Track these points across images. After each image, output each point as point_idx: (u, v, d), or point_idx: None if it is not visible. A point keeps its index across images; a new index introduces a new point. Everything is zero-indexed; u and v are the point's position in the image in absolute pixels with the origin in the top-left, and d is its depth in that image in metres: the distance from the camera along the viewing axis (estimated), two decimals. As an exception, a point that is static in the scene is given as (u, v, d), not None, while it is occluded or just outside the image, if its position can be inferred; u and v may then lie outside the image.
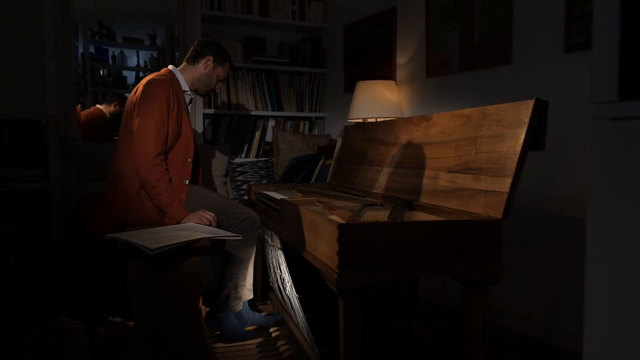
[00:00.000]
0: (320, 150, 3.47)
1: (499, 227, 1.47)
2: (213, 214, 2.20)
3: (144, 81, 2.31)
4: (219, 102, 3.88)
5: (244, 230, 2.28)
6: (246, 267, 2.34)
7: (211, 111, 3.84)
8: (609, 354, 0.70)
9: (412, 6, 3.26)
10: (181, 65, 2.50)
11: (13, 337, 2.36)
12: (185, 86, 2.44)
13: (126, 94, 5.72)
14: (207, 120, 3.87)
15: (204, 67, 2.47)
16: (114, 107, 4.61)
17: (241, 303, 2.36)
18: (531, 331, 2.47)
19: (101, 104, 4.64)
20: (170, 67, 2.46)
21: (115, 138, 4.51)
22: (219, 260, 2.45)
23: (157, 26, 6.28)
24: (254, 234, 2.33)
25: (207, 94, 2.63)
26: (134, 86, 6.77)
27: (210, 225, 2.15)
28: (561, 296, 2.35)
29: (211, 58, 2.47)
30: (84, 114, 4.61)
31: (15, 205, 3.13)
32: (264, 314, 2.53)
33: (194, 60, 2.47)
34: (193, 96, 2.53)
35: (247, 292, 2.37)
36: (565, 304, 2.33)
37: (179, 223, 2.16)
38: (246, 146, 3.99)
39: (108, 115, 4.61)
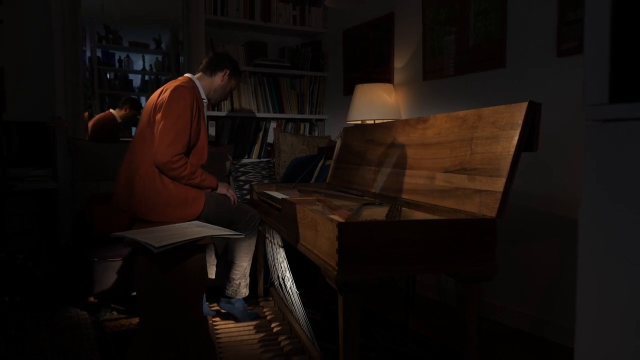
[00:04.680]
0: (320, 151, 3.52)
1: (493, 225, 1.50)
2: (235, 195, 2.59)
3: (170, 86, 2.41)
4: (223, 104, 3.94)
5: (250, 226, 2.50)
6: (251, 258, 2.58)
7: (215, 113, 3.90)
8: (601, 348, 0.71)
9: (409, 12, 3.32)
10: (198, 74, 2.62)
11: (22, 333, 2.42)
12: (203, 94, 2.58)
13: (133, 96, 5.80)
14: (210, 122, 3.93)
15: (220, 79, 2.61)
16: (125, 111, 4.81)
17: (248, 288, 2.60)
18: (525, 326, 2.53)
19: (114, 109, 4.83)
20: (189, 75, 2.58)
21: (122, 140, 4.62)
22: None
23: (162, 31, 6.35)
24: (256, 229, 2.56)
25: (218, 103, 2.79)
26: (140, 89, 6.82)
27: (233, 202, 2.51)
28: (554, 292, 2.41)
29: (228, 71, 2.62)
30: (97, 117, 4.76)
31: (24, 204, 3.19)
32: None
33: (211, 72, 2.60)
34: (207, 103, 2.67)
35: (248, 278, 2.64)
36: (559, 300, 2.39)
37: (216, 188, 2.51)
38: (248, 147, 4.05)
39: (119, 120, 4.77)
